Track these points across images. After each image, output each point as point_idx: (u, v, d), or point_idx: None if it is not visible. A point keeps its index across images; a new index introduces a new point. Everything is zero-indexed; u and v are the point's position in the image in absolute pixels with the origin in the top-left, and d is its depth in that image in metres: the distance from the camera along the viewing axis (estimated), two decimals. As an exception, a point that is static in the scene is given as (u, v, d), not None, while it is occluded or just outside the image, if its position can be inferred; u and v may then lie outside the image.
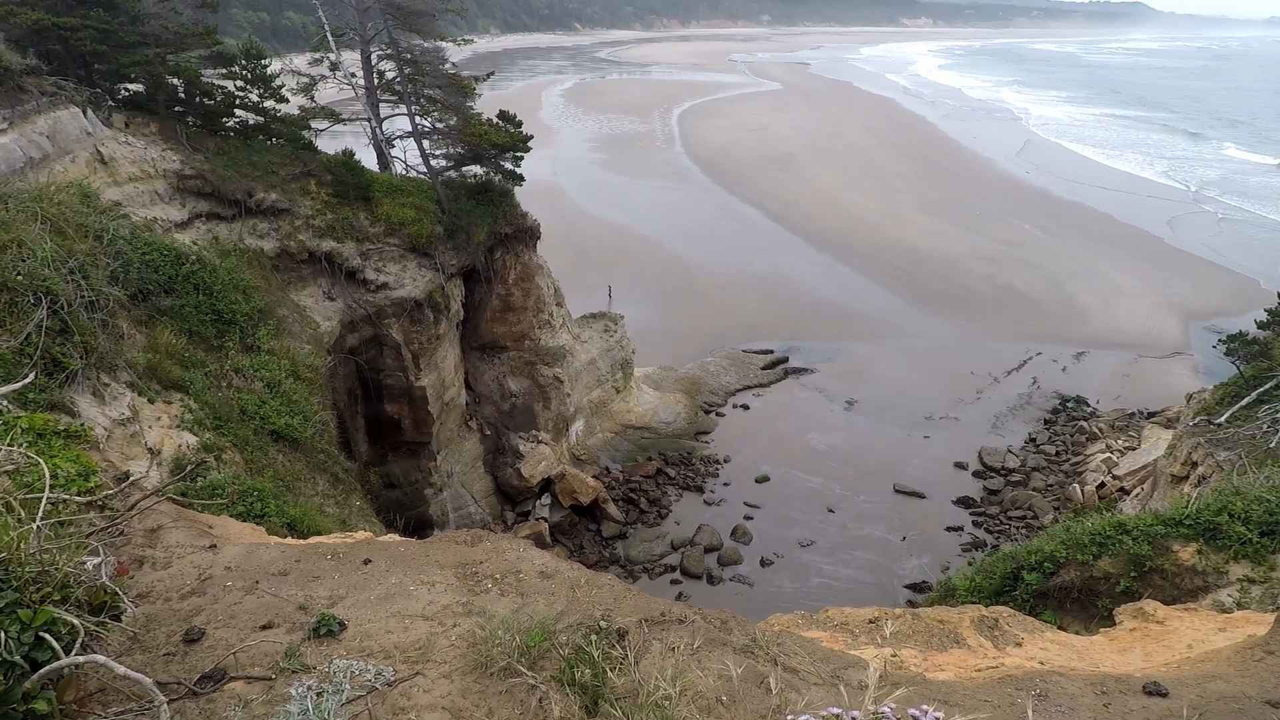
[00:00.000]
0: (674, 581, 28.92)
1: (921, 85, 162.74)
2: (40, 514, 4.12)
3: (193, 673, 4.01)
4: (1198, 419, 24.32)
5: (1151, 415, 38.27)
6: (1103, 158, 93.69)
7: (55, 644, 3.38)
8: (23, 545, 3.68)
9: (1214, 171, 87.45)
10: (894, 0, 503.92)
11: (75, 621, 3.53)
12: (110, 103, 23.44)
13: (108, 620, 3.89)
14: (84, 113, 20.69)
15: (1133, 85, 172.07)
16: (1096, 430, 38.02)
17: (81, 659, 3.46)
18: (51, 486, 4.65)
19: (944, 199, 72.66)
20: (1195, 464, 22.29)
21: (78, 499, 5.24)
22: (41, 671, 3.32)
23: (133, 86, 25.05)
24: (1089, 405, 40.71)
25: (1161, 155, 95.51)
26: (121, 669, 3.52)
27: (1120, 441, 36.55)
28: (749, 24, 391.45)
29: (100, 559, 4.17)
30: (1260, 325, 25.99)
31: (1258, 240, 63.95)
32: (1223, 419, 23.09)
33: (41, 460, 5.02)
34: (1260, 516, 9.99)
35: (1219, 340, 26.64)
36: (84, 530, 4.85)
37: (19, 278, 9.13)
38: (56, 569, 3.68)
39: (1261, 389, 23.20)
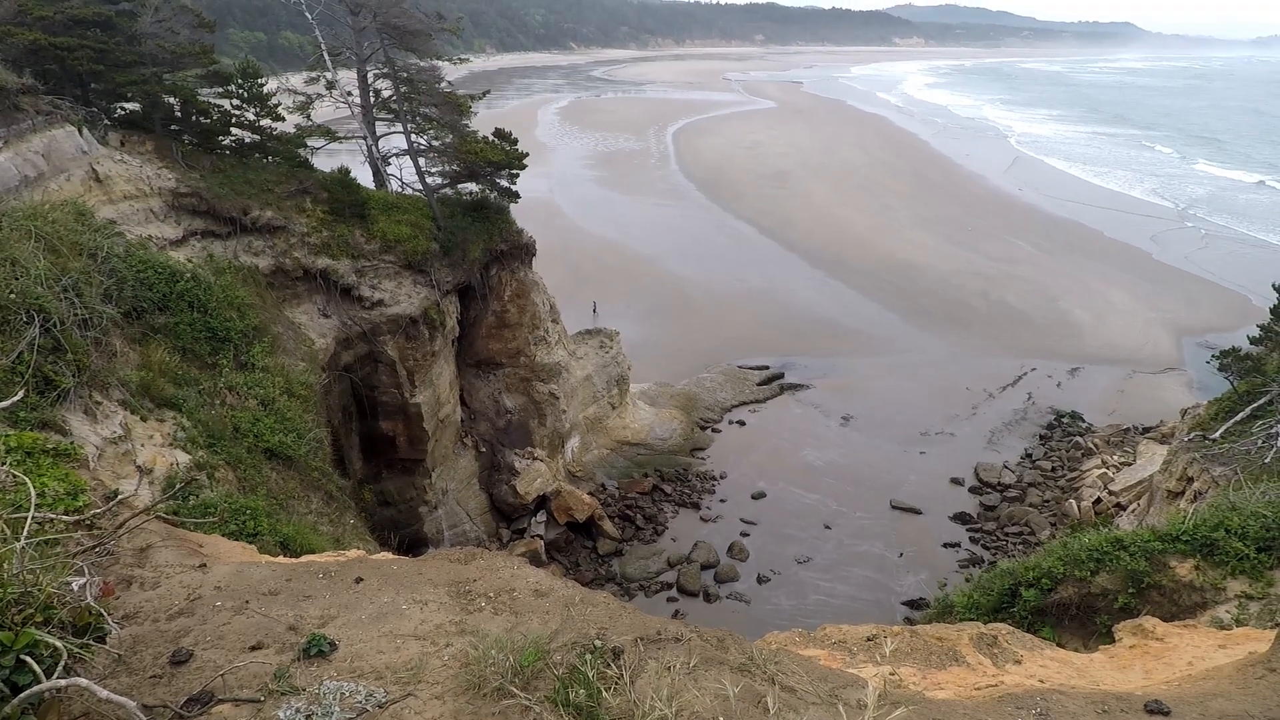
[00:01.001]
0: (670, 599, 28.72)
1: (912, 103, 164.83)
2: (25, 533, 4.06)
3: (179, 695, 3.93)
4: (1193, 434, 24.38)
5: (1147, 430, 38.35)
6: (1087, 174, 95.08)
7: (37, 667, 3.31)
8: (5, 565, 3.62)
9: (1200, 189, 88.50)
10: (887, 20, 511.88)
11: (58, 644, 3.46)
12: (106, 121, 23.52)
13: (92, 642, 3.82)
14: (79, 131, 20.74)
15: (1113, 103, 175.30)
16: (1092, 446, 38.06)
17: (64, 682, 3.39)
18: (38, 505, 4.59)
19: (937, 215, 73.22)
20: (1191, 479, 22.31)
21: (65, 518, 5.17)
22: (22, 696, 3.24)
23: (129, 105, 25.17)
24: (1084, 421, 40.78)
25: (1147, 172, 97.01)
26: (104, 692, 3.45)
27: (1116, 457, 36.59)
28: (743, 43, 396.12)
29: (85, 579, 4.10)
30: (1253, 341, 26.16)
31: (1244, 256, 64.57)
32: (1217, 434, 23.15)
33: (28, 479, 4.96)
34: (1257, 532, 9.96)
35: (1212, 356, 26.78)
36: (70, 550, 4.78)
37: (12, 296, 9.10)
38: (40, 590, 3.62)
39: (1255, 404, 23.30)
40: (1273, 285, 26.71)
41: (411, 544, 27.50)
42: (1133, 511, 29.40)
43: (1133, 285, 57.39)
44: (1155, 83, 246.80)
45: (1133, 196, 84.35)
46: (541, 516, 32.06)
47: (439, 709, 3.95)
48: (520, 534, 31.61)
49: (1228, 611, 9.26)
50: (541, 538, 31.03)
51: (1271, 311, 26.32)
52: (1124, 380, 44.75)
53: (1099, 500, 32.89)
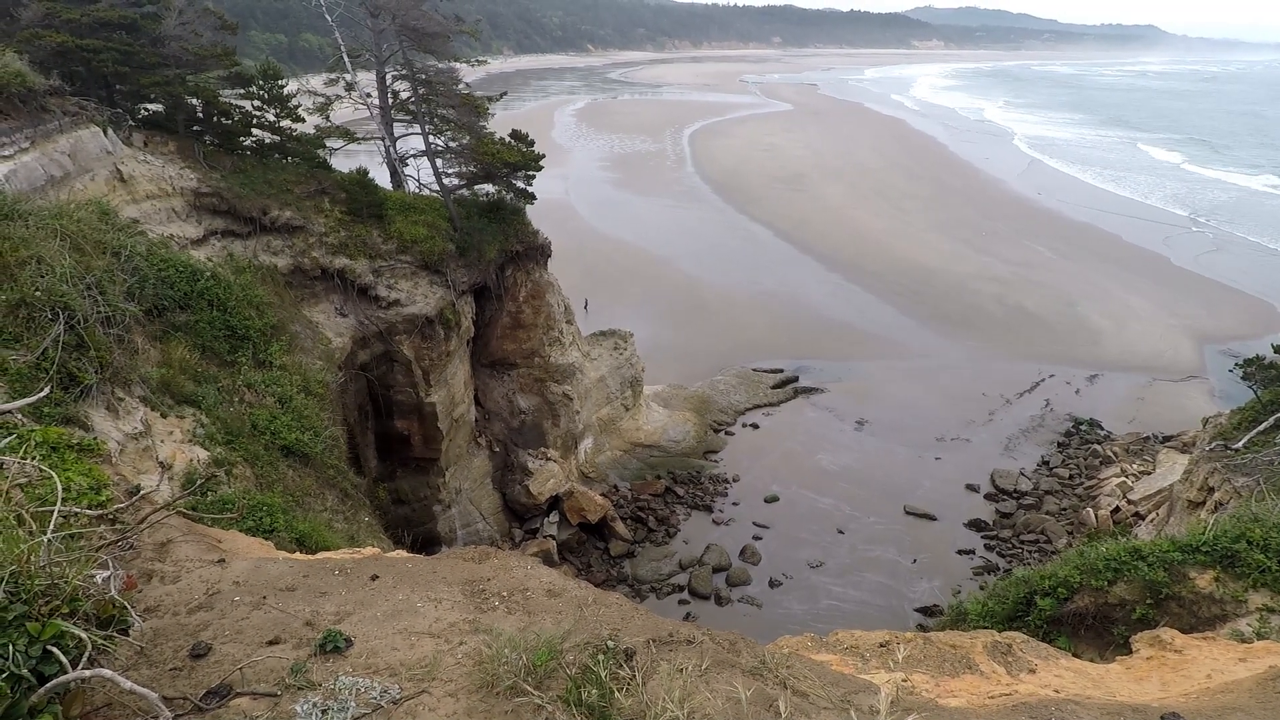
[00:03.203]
0: (682, 601, 28.69)
1: (927, 105, 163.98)
2: (51, 527, 4.14)
3: (199, 688, 4.00)
4: (1214, 444, 24.02)
5: (1167, 439, 37.82)
6: (1091, 177, 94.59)
7: (63, 658, 3.38)
8: (33, 558, 3.70)
9: (1205, 194, 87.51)
10: (905, 23, 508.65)
11: (83, 635, 3.53)
12: (130, 122, 23.87)
13: (115, 634, 3.89)
14: (104, 132, 21.05)
15: (1119, 106, 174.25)
16: (1111, 454, 37.59)
17: (88, 673, 3.46)
18: (63, 500, 4.68)
19: (953, 219, 72.69)
20: (1212, 489, 21.97)
21: (89, 512, 5.26)
22: (48, 685, 3.31)
23: (152, 106, 25.52)
24: (1103, 428, 40.29)
25: (1149, 175, 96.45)
26: (127, 683, 3.52)
27: (1135, 465, 36.12)
28: (760, 45, 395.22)
29: (109, 572, 4.18)
30: (1277, 349, 25.70)
31: (1263, 263, 63.52)
32: (1240, 444, 22.79)
33: (54, 473, 5.05)
34: None
35: (1235, 364, 26.37)
36: (94, 543, 4.86)
37: (37, 293, 9.25)
38: (66, 582, 3.69)
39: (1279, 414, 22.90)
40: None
41: (425, 542, 27.67)
42: (1152, 521, 29.00)
43: (1153, 291, 56.65)
44: (1165, 85, 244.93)
45: (1139, 200, 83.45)
46: (554, 517, 32.14)
47: (452, 706, 3.99)
48: (533, 534, 31.71)
49: (1249, 625, 9.11)
50: (554, 538, 31.11)
51: (1296, 319, 25.89)
52: (1144, 388, 44.18)
53: (1117, 509, 32.48)
